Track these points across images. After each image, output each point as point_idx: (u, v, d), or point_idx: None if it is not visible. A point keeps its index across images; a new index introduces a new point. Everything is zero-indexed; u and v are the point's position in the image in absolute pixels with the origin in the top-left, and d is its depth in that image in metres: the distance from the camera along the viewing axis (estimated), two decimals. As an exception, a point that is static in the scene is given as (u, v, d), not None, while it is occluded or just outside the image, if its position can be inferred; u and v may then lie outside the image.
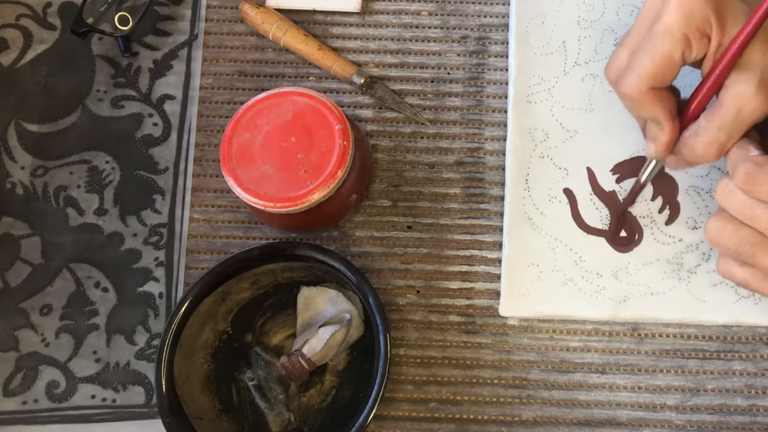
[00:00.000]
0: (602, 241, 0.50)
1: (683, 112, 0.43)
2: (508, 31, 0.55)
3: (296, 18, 0.56)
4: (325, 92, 0.54)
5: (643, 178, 0.48)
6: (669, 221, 0.51)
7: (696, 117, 0.43)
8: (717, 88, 0.41)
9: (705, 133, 0.41)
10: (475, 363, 0.50)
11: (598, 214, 0.51)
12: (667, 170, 0.51)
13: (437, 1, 0.56)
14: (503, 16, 0.56)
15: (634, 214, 0.51)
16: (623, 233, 0.50)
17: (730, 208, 0.41)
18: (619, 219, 0.50)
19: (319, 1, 0.56)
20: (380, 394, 0.44)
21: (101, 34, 0.55)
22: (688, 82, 0.44)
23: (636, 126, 0.52)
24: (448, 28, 0.56)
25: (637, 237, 0.50)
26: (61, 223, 0.53)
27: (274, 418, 0.48)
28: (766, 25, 0.40)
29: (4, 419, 0.50)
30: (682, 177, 0.51)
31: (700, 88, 0.42)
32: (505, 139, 0.53)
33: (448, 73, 0.55)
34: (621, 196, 0.51)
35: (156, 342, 0.51)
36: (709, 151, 0.41)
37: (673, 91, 0.44)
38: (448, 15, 0.56)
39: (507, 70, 0.54)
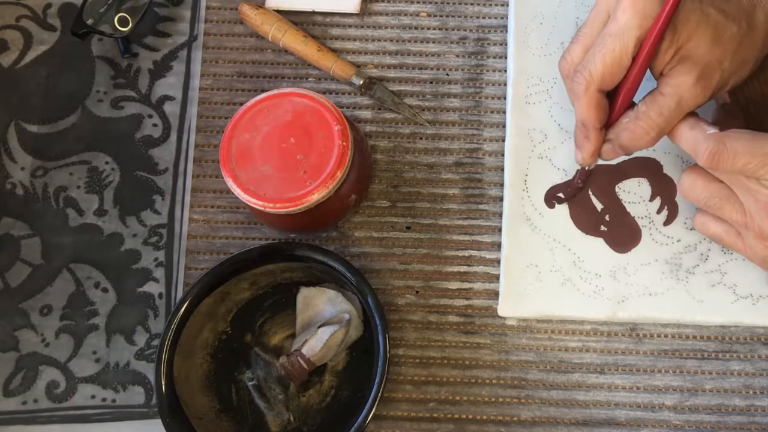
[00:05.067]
0: (601, 241, 0.51)
1: (614, 99, 0.44)
2: (507, 32, 0.55)
3: (295, 19, 0.56)
4: (324, 93, 0.55)
5: (578, 181, 0.50)
6: (667, 222, 0.51)
7: (625, 106, 0.44)
8: (642, 75, 0.43)
9: (645, 118, 0.43)
10: (473, 363, 0.50)
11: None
12: (665, 171, 0.51)
13: (436, 3, 0.56)
14: (502, 18, 0.56)
15: (632, 215, 0.51)
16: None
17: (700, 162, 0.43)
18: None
19: (319, 2, 0.56)
20: (379, 394, 0.44)
21: (101, 35, 0.55)
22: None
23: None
24: (447, 29, 0.56)
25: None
26: (61, 223, 0.53)
27: (274, 418, 0.48)
28: (716, 24, 0.41)
29: (4, 419, 0.50)
30: (680, 178, 0.51)
31: (627, 78, 0.43)
32: (503, 140, 0.53)
33: (447, 74, 0.55)
34: (620, 196, 0.51)
35: (156, 342, 0.51)
36: (648, 135, 0.43)
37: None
38: (447, 16, 0.56)
39: (506, 71, 0.55)
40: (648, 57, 0.41)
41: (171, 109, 0.55)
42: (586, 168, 0.48)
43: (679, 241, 0.50)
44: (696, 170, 0.44)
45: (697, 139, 0.42)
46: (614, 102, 0.44)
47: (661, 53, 0.41)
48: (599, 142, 0.45)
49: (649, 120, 0.42)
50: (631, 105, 0.44)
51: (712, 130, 0.42)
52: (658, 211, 0.51)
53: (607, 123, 0.45)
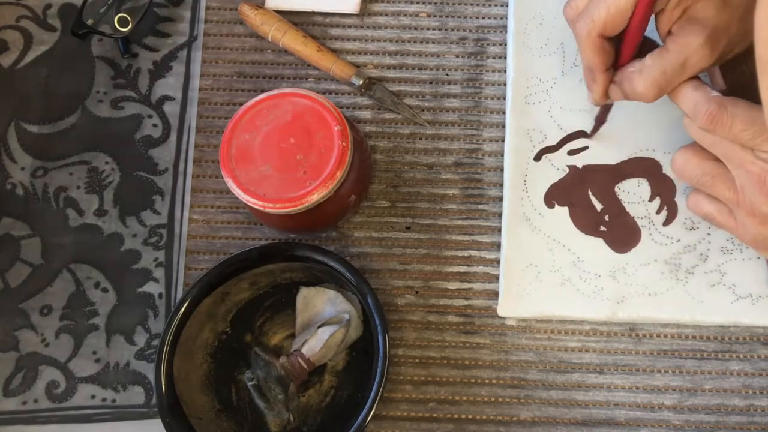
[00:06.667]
0: (600, 241, 0.51)
1: (621, 43, 0.44)
2: (506, 32, 0.55)
3: (295, 19, 0.56)
4: (324, 93, 0.55)
5: (602, 116, 0.51)
6: (667, 222, 0.51)
7: (631, 50, 0.44)
8: (644, 23, 0.42)
9: (648, 73, 0.43)
10: (473, 363, 0.50)
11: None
12: (664, 171, 0.51)
13: (436, 3, 0.56)
14: (502, 18, 0.56)
15: (632, 215, 0.51)
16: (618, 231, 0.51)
17: (693, 135, 0.44)
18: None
19: (318, 2, 0.56)
20: (379, 394, 0.44)
21: (101, 35, 0.55)
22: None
23: (634, 127, 0.52)
24: (446, 30, 0.56)
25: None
26: (61, 223, 0.54)
27: (273, 418, 0.48)
28: None
29: (4, 419, 0.50)
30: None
31: (630, 25, 0.43)
32: (503, 140, 0.53)
33: (447, 75, 0.55)
34: (619, 196, 0.51)
35: (155, 342, 0.51)
36: (648, 91, 0.43)
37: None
38: (447, 16, 0.56)
39: (505, 71, 0.55)
40: (649, 4, 0.41)
41: (171, 109, 0.56)
42: (601, 104, 0.48)
43: (678, 241, 0.50)
44: (690, 149, 0.45)
45: (698, 100, 0.42)
46: (622, 45, 0.44)
47: (668, 10, 0.42)
48: (607, 82, 0.46)
49: (652, 76, 0.42)
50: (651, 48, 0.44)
51: (715, 94, 0.42)
52: (658, 212, 0.51)
53: (616, 65, 0.45)
